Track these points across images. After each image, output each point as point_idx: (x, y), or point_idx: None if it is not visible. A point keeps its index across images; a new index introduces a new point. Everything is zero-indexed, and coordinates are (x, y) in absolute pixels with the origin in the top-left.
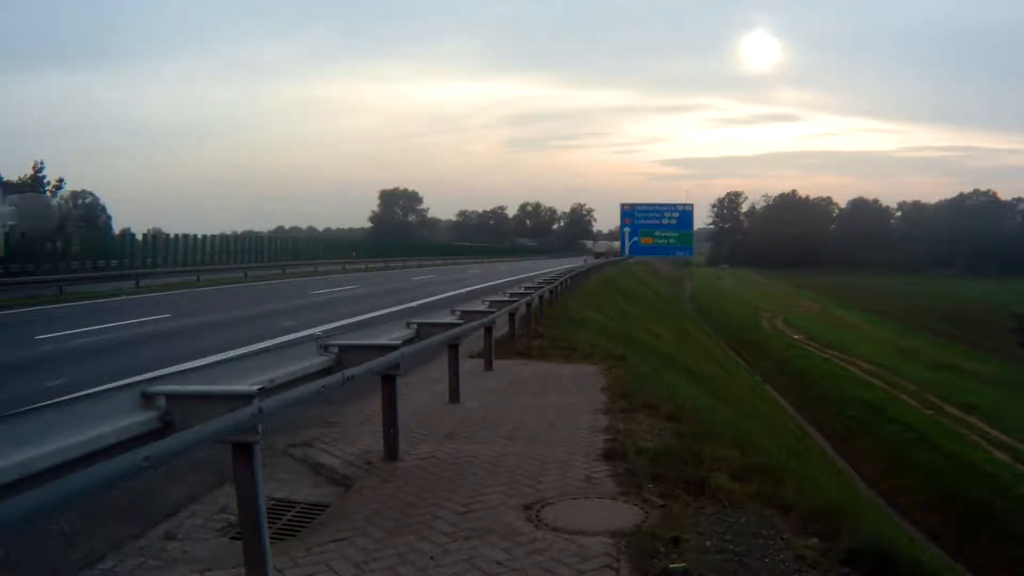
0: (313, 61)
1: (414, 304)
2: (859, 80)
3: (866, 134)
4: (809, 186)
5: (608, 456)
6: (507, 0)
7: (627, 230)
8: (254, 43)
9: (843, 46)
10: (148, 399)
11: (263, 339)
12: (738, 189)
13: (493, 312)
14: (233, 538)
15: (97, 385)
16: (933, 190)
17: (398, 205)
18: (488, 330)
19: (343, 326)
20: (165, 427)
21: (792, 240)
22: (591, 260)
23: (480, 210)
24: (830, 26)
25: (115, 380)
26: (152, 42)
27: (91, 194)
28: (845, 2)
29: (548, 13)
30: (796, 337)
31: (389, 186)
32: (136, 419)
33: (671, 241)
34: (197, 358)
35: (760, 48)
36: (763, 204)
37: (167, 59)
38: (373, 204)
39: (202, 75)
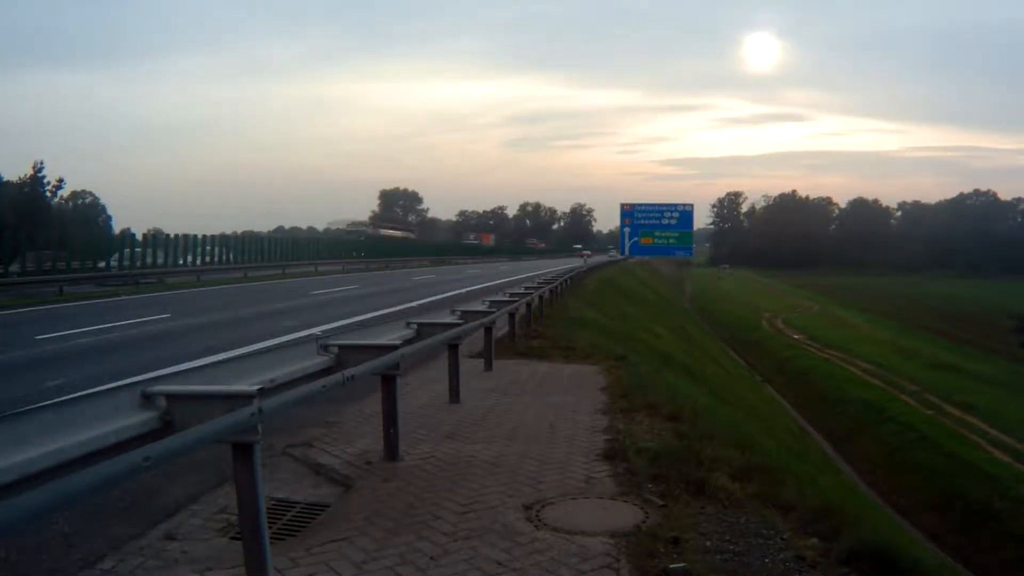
0: (316, 60)
1: (414, 304)
2: (864, 80)
3: (869, 134)
4: (811, 186)
5: (608, 456)
6: (513, 0)
7: (627, 230)
8: (256, 42)
9: (849, 47)
10: (148, 399)
11: (263, 339)
12: (740, 189)
13: (493, 312)
14: (233, 538)
15: (97, 385)
16: (933, 190)
17: (398, 205)
18: (488, 330)
19: (343, 326)
20: (165, 427)
21: (792, 240)
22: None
23: (480, 210)
24: (837, 27)
25: (115, 380)
26: (153, 41)
27: (91, 194)
28: (851, 3)
29: (555, 13)
30: (796, 337)
31: (390, 186)
32: (136, 419)
33: (671, 241)
34: (197, 358)
35: (766, 48)
36: (763, 204)
37: (168, 58)
38: (373, 204)
39: (203, 74)
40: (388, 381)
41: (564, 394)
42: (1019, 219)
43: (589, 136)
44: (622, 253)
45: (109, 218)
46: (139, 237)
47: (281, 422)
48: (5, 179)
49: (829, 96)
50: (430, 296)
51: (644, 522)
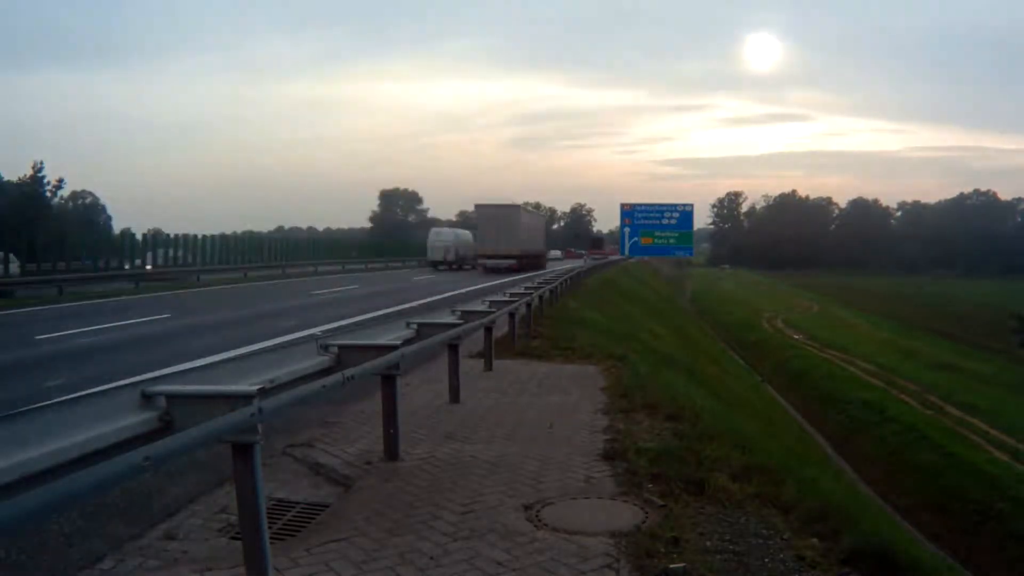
0: (317, 61)
1: (414, 304)
2: (865, 80)
3: (870, 134)
4: (811, 186)
5: (608, 456)
6: (516, 0)
7: (627, 230)
8: (256, 43)
9: (851, 47)
10: (148, 399)
11: (263, 339)
12: (741, 189)
13: (493, 312)
14: (233, 538)
15: (97, 385)
16: (933, 190)
17: (398, 205)
18: (488, 330)
19: (343, 326)
20: (165, 427)
21: (792, 240)
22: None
23: None
24: (839, 27)
25: (115, 380)
26: (153, 40)
27: (91, 194)
28: (853, 3)
29: (557, 13)
30: (796, 337)
31: (390, 185)
32: (136, 419)
33: (671, 241)
34: (197, 358)
35: (768, 49)
36: (763, 204)
37: (168, 58)
38: (373, 204)
39: (203, 74)
40: (388, 381)
41: (564, 394)
42: (1019, 219)
43: (590, 136)
44: (622, 253)
45: (109, 218)
46: (139, 237)
47: (281, 422)
48: (5, 179)
49: (830, 96)
50: (429, 296)
51: (644, 522)
